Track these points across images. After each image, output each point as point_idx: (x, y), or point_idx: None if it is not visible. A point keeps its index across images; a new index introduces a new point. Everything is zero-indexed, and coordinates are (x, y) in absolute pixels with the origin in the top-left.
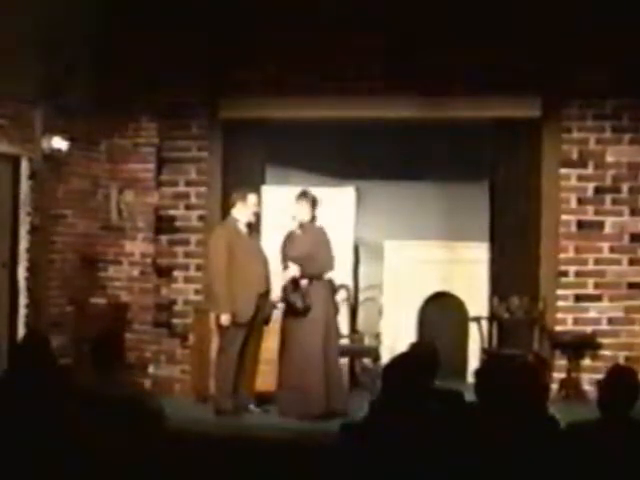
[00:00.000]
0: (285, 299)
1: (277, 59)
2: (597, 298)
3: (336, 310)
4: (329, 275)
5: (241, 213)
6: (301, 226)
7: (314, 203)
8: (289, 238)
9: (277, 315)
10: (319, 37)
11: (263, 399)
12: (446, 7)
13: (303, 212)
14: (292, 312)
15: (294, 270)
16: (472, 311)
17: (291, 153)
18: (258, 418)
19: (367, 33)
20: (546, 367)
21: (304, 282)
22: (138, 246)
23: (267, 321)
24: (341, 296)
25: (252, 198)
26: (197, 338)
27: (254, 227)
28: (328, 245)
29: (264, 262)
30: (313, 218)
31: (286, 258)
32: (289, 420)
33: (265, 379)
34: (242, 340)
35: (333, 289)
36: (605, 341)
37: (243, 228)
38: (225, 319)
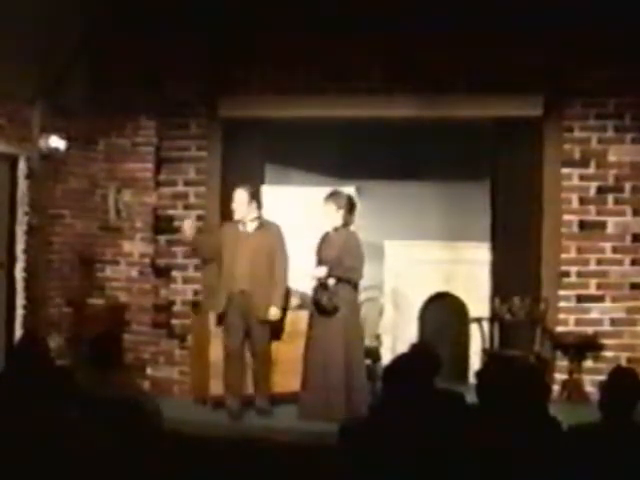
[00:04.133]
0: (313, 297)
1: (277, 58)
2: (599, 299)
3: (359, 315)
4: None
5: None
6: (335, 230)
7: (347, 207)
8: (324, 239)
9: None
10: (319, 37)
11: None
12: (447, 6)
13: (333, 217)
14: (319, 311)
15: (321, 271)
16: (473, 312)
17: (291, 153)
18: (257, 419)
19: (367, 33)
20: (548, 368)
21: (331, 282)
22: (136, 246)
23: (278, 330)
24: None
25: (234, 195)
26: (196, 339)
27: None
28: (355, 252)
29: (252, 261)
30: (347, 222)
31: (319, 259)
32: (288, 421)
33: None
34: (236, 338)
35: (357, 293)
36: (607, 342)
37: (246, 224)
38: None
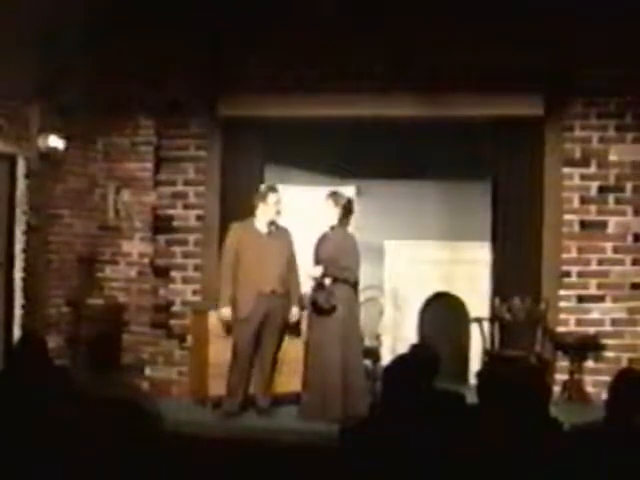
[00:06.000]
0: (311, 297)
1: (277, 58)
2: (600, 299)
3: (357, 315)
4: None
5: (262, 213)
6: (332, 229)
7: (345, 208)
8: (322, 239)
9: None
10: (319, 37)
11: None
12: (447, 5)
13: (330, 214)
14: (317, 311)
15: (316, 270)
16: (473, 312)
17: (291, 152)
18: (257, 419)
19: (367, 33)
20: (548, 369)
21: (327, 281)
22: (135, 246)
23: (297, 328)
24: None
25: (272, 197)
26: (195, 339)
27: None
28: (351, 252)
29: (278, 262)
30: (344, 222)
31: (316, 258)
32: (288, 421)
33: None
34: (250, 339)
35: (356, 293)
36: (608, 342)
37: (263, 227)
38: (222, 312)
